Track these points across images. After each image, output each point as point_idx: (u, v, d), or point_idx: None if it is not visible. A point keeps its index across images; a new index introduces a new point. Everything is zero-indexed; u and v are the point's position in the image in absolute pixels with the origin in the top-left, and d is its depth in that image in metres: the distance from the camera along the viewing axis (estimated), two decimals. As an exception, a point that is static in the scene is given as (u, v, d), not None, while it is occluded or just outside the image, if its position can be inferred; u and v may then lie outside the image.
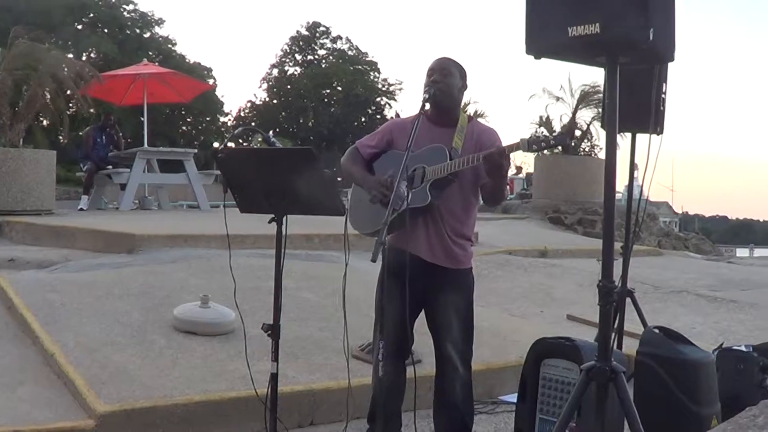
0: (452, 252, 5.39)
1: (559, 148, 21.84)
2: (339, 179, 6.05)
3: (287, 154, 5.26)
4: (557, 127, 22.49)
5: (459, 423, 5.52)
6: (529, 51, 4.19)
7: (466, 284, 5.52)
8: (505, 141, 5.18)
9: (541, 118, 23.51)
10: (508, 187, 5.44)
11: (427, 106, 5.30)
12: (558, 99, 22.65)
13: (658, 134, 7.02)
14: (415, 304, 5.23)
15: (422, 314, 5.55)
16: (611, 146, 4.30)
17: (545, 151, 22.86)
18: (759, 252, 59.09)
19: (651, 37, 3.73)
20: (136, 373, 6.42)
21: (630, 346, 7.02)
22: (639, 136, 7.33)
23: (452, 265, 5.41)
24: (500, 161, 4.95)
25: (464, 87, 5.55)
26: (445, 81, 5.36)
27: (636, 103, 6.76)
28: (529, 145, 4.91)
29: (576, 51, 4.15)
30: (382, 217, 4.67)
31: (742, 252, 55.78)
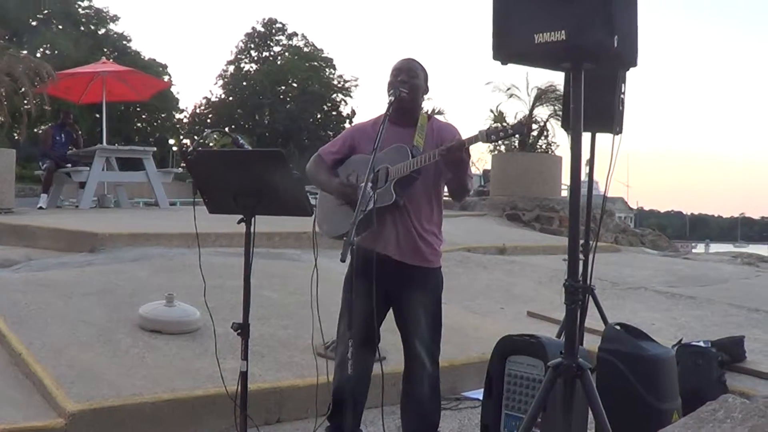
0: (420, 250, 5.45)
1: (517, 144, 22.00)
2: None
3: (257, 155, 5.31)
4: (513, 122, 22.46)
5: (426, 419, 5.61)
6: (496, 57, 4.27)
7: (434, 282, 5.59)
8: (463, 137, 5.27)
9: (492, 111, 23.51)
10: (471, 180, 5.53)
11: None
12: (511, 96, 22.72)
13: (617, 134, 7.12)
14: (383, 302, 5.34)
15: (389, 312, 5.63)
16: (576, 150, 4.36)
17: (502, 148, 22.93)
18: (715, 247, 59.68)
19: (616, 45, 3.83)
20: (103, 372, 6.44)
21: (591, 343, 7.11)
22: (598, 135, 7.43)
23: (421, 264, 5.47)
24: (460, 154, 5.07)
25: (426, 89, 5.63)
26: (412, 82, 5.43)
27: (596, 104, 6.82)
28: (488, 135, 5.03)
29: (542, 57, 4.24)
30: (351, 219, 4.74)
31: (697, 247, 56.33)
